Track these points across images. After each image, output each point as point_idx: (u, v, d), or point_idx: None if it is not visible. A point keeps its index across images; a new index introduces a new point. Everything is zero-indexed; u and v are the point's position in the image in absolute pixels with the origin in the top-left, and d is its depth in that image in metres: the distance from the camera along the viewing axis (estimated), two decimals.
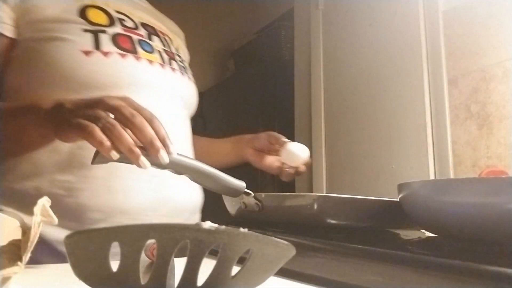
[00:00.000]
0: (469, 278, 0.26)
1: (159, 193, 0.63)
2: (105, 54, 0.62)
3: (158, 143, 0.46)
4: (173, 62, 0.73)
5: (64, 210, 0.58)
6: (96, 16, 0.67)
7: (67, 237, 0.24)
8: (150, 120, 0.47)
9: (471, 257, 0.29)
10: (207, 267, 0.26)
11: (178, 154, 0.49)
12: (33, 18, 0.63)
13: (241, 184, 0.55)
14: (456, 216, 0.35)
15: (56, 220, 0.30)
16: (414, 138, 1.10)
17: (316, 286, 0.36)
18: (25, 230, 0.33)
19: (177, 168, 0.50)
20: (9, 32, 0.62)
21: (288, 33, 1.82)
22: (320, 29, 1.50)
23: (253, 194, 0.55)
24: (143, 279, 0.25)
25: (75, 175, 0.59)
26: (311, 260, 0.39)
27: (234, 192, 0.54)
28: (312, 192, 1.42)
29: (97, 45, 0.62)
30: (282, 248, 0.27)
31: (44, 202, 0.30)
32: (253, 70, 1.94)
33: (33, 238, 0.29)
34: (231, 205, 0.63)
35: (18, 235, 0.33)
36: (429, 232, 0.45)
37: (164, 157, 0.46)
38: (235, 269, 0.26)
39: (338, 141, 1.36)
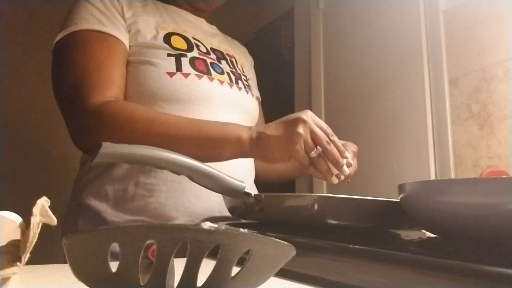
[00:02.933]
0: (470, 279, 0.26)
1: None
2: (185, 75, 0.73)
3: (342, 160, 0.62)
4: (239, 82, 0.84)
5: (146, 209, 0.69)
6: (177, 42, 0.77)
7: (66, 237, 0.24)
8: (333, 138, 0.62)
9: (471, 257, 0.29)
10: (207, 267, 0.26)
11: (177, 154, 0.49)
12: (134, 43, 0.74)
13: (241, 184, 0.55)
14: (457, 216, 0.35)
15: (55, 220, 0.30)
16: (415, 138, 1.10)
17: (316, 287, 0.36)
18: (24, 230, 0.33)
19: (177, 168, 0.50)
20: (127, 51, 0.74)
21: (288, 33, 1.82)
22: (320, 29, 1.49)
23: (253, 194, 0.55)
24: (143, 280, 0.25)
25: (156, 178, 0.70)
26: (311, 261, 0.39)
27: (234, 193, 0.54)
28: (312, 193, 1.42)
29: (178, 68, 0.73)
30: (282, 249, 0.26)
31: (43, 202, 0.30)
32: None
33: (32, 239, 0.29)
34: (231, 206, 0.63)
35: (17, 235, 0.33)
36: (430, 232, 0.45)
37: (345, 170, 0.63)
38: (235, 270, 0.26)
39: None
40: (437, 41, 1.07)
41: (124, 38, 0.73)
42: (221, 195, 0.70)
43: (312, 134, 0.60)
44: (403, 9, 1.18)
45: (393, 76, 1.19)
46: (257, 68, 1.07)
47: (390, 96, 1.19)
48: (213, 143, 0.62)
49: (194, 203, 0.71)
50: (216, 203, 0.73)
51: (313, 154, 0.62)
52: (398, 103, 1.17)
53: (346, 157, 0.63)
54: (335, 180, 0.63)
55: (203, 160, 0.62)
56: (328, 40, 1.46)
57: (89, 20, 0.70)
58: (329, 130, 0.62)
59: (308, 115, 0.61)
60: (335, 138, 0.62)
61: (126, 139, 0.60)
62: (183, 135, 0.61)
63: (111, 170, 0.71)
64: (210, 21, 0.96)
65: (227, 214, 0.73)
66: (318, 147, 0.62)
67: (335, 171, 0.63)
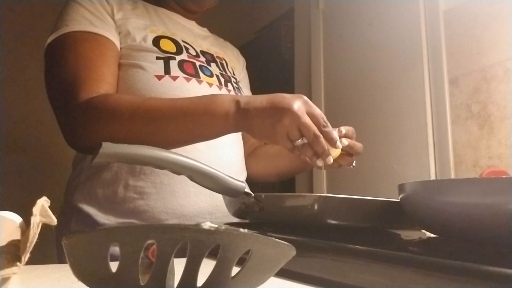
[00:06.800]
0: (470, 279, 0.26)
1: (214, 198, 0.72)
2: (173, 78, 0.73)
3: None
4: (229, 84, 0.84)
5: (136, 211, 0.69)
6: (166, 45, 0.78)
7: (66, 237, 0.24)
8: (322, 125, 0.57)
9: (471, 257, 0.29)
10: (207, 267, 0.26)
11: (177, 153, 0.49)
12: (124, 45, 0.74)
13: (241, 184, 0.55)
14: (457, 216, 0.35)
15: (55, 220, 0.30)
16: (415, 138, 1.10)
17: (316, 287, 0.36)
18: (24, 230, 0.33)
19: (177, 168, 0.50)
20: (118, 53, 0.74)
21: (288, 33, 1.82)
22: (320, 29, 1.49)
23: (253, 194, 0.55)
24: (143, 280, 0.25)
25: (146, 181, 0.70)
26: (311, 261, 0.39)
27: (234, 193, 0.54)
28: (312, 193, 1.42)
29: (167, 71, 0.73)
30: (282, 249, 0.26)
31: (43, 202, 0.30)
32: (253, 69, 1.94)
33: (32, 239, 0.29)
34: (231, 206, 0.63)
35: (17, 235, 0.33)
36: (430, 232, 0.45)
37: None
38: (235, 270, 0.26)
39: None
40: (437, 41, 1.07)
41: (115, 39, 0.73)
42: (211, 197, 0.71)
43: (301, 126, 0.56)
44: (403, 9, 1.18)
45: (393, 76, 1.19)
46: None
47: (390, 96, 1.19)
48: (200, 123, 0.59)
49: (183, 205, 0.71)
50: (205, 204, 0.73)
51: (299, 142, 0.59)
52: (398, 103, 1.17)
53: (337, 147, 0.59)
54: (320, 163, 0.60)
55: (192, 140, 0.62)
56: (328, 40, 1.46)
57: (80, 21, 0.71)
58: (322, 120, 0.58)
59: (299, 106, 0.57)
60: (327, 128, 0.58)
61: (113, 132, 0.59)
62: (168, 121, 0.59)
63: (101, 173, 0.71)
64: (210, 21, 0.96)
65: (217, 215, 0.73)
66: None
67: (320, 163, 0.60)
